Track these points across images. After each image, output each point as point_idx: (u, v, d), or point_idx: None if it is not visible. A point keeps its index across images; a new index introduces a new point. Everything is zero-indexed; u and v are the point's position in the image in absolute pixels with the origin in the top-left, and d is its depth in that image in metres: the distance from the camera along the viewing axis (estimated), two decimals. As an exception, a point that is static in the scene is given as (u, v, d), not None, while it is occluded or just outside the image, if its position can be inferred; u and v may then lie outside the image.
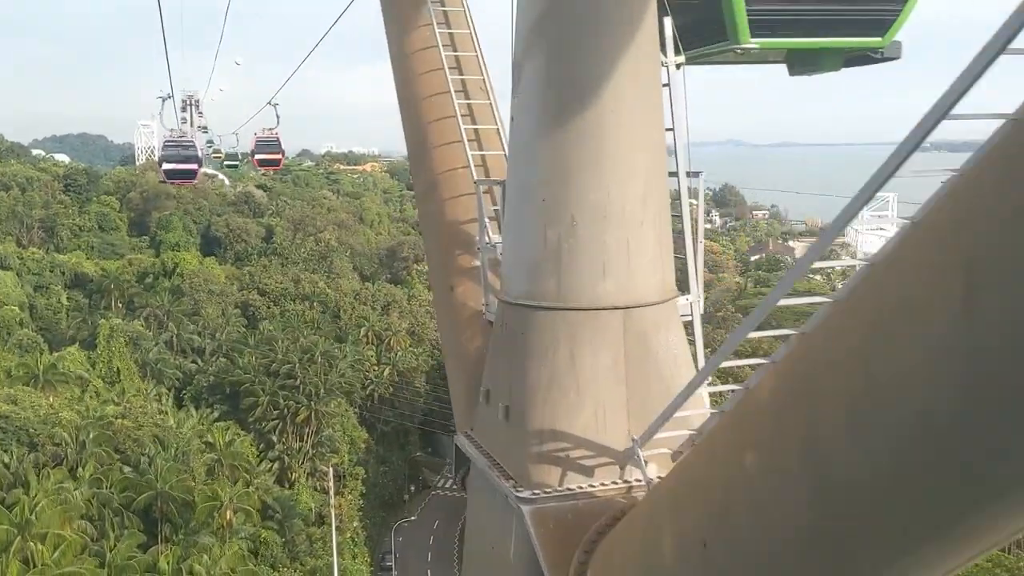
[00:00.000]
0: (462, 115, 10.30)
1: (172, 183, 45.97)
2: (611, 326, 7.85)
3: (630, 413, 7.87)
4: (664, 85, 8.74)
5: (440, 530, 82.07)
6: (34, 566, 40.79)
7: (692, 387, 6.68)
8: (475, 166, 10.21)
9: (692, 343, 9.20)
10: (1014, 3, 3.33)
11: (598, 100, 7.59)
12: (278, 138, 39.78)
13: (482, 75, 10.86)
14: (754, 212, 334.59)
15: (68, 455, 46.08)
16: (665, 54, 8.89)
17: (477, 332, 10.09)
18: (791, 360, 5.05)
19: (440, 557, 78.69)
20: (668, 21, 8.94)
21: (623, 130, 7.73)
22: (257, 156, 40.40)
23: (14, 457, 45.21)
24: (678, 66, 9.34)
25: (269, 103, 38.33)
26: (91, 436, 46.86)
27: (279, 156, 41.13)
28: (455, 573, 77.83)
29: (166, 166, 37.17)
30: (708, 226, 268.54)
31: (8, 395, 51.84)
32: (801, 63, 10.55)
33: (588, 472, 7.87)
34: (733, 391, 5.93)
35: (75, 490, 43.46)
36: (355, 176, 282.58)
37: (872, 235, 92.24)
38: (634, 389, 7.92)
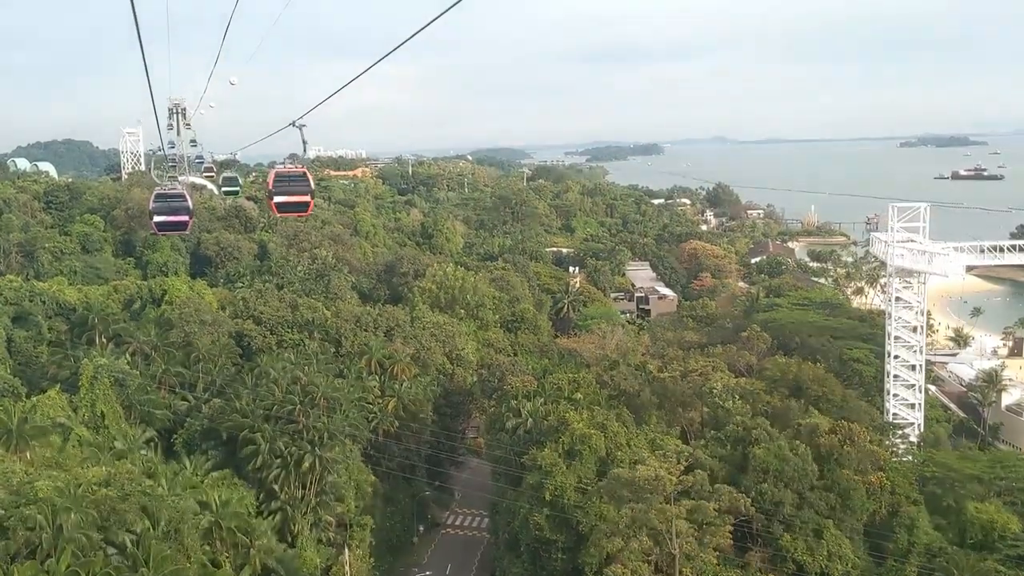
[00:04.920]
0: None
1: (163, 234, 40.29)
2: None
3: None
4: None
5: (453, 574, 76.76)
6: None
7: None
8: None
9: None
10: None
11: None
12: (305, 173, 28.30)
13: None
14: (749, 211, 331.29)
15: (43, 541, 40.35)
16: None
17: None
18: None
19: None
20: None
21: None
22: (276, 199, 28.16)
23: (-20, 547, 39.51)
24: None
25: (293, 124, 26.97)
26: (70, 519, 41.06)
27: (307, 199, 28.36)
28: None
29: (157, 218, 32.06)
30: (704, 227, 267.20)
31: (-25, 467, 46.11)
32: None
33: None
34: None
35: (49, 587, 37.80)
36: (345, 183, 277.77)
37: (903, 248, 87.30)
38: None
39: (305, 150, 27.91)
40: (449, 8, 14.72)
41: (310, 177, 28.24)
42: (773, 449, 54.58)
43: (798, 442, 57.99)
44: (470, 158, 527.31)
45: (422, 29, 16.25)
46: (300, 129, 26.14)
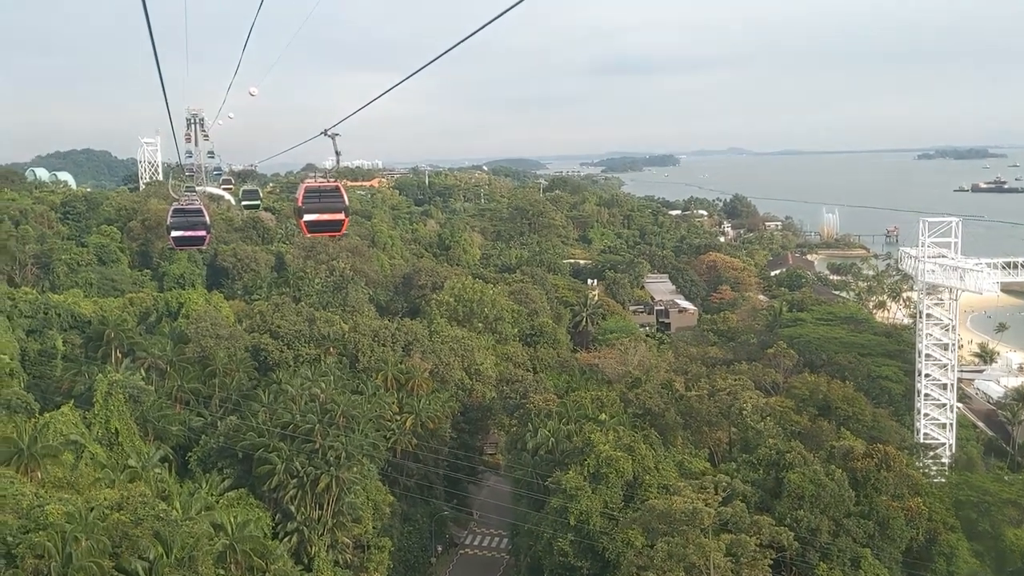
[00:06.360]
0: None
1: (181, 249, 39.44)
2: None
3: None
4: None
5: (472, 597, 74.95)
6: None
7: None
8: None
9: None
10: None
11: None
12: (339, 188, 25.43)
13: None
14: (766, 223, 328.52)
15: (52, 570, 38.82)
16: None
17: None
18: None
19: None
20: None
21: None
22: (307, 217, 24.99)
23: (-13, 575, 38.04)
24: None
25: (325, 133, 24.16)
26: (81, 545, 39.55)
27: (341, 216, 25.46)
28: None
29: (174, 233, 31.55)
30: (722, 239, 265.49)
31: (-16, 490, 44.63)
32: None
33: None
34: None
35: (58, 618, 36.26)
36: (362, 193, 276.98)
37: (934, 263, 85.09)
38: None
39: (338, 160, 25.46)
40: (487, 24, 13.46)
41: (344, 192, 25.40)
42: (808, 474, 52.55)
43: (833, 466, 55.94)
44: (486, 169, 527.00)
45: (459, 43, 14.90)
46: (332, 138, 23.83)
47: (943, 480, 71.77)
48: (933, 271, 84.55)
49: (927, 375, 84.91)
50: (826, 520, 51.80)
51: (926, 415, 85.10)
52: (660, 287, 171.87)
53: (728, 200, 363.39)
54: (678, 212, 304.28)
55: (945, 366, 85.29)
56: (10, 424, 60.29)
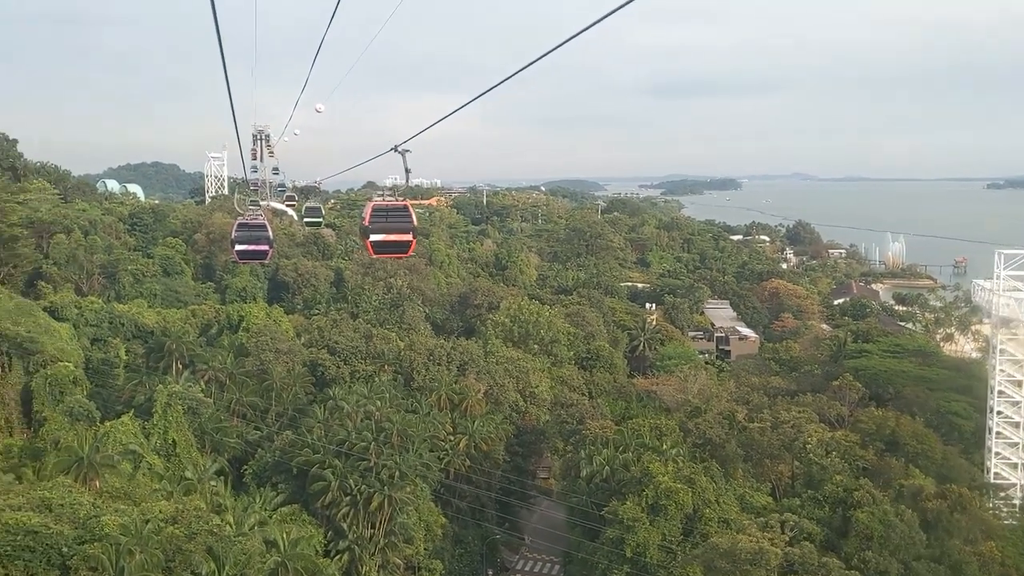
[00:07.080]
0: None
1: (244, 263, 39.56)
2: None
3: None
4: None
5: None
6: None
7: None
8: None
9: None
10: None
11: None
12: (407, 207, 24.21)
13: None
14: (830, 250, 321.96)
15: (106, 583, 38.91)
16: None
17: None
18: None
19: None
20: None
21: None
22: (373, 237, 23.72)
23: (42, 585, 38.18)
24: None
25: (395, 149, 23.14)
26: (134, 559, 39.53)
27: (409, 237, 23.96)
28: None
29: (238, 247, 31.72)
30: (784, 265, 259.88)
31: (42, 499, 44.98)
32: None
33: None
34: None
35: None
36: (420, 211, 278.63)
37: (1009, 297, 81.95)
38: None
39: (408, 177, 24.34)
40: (560, 45, 12.85)
41: (412, 212, 24.06)
42: (877, 513, 50.43)
43: (902, 506, 53.64)
44: (543, 189, 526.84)
45: (525, 68, 14.26)
46: (403, 155, 22.83)
47: (1014, 523, 68.78)
48: (1008, 305, 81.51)
49: (999, 412, 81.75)
50: (895, 563, 49.56)
51: (997, 454, 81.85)
52: (720, 313, 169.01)
53: (791, 226, 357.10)
54: (739, 237, 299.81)
55: (1018, 403, 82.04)
56: (71, 432, 61.13)
